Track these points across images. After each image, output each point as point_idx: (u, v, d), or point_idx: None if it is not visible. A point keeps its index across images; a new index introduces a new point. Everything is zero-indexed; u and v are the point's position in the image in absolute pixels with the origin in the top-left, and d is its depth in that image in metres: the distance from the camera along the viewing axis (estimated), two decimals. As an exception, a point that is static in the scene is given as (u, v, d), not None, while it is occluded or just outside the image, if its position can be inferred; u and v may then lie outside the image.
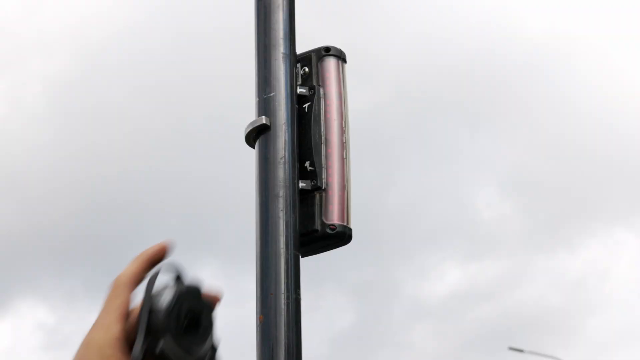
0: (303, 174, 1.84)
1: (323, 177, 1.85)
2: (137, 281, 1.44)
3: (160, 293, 1.53)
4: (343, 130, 1.89)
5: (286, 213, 1.79)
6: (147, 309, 1.55)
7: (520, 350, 22.66)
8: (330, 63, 1.90)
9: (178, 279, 1.50)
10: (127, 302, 1.43)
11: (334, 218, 1.84)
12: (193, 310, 1.56)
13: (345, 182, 1.86)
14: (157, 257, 1.48)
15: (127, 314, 1.42)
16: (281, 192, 1.80)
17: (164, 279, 1.49)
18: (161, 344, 1.55)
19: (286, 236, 1.79)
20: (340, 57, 1.93)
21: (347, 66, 1.94)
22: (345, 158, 1.88)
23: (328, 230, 1.82)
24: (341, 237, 1.84)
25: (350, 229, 1.86)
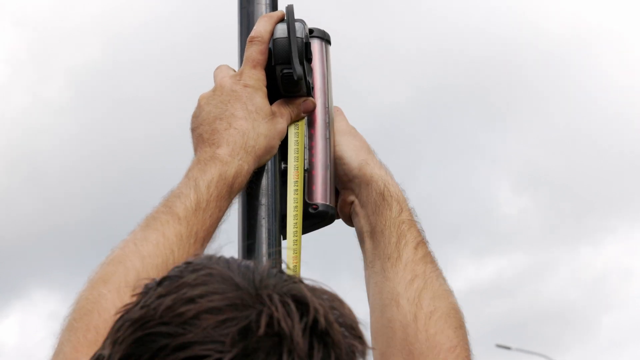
0: (286, 154, 1.83)
1: (306, 157, 1.84)
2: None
3: (294, 24, 1.74)
4: (326, 110, 1.88)
5: (267, 194, 1.78)
6: (294, 35, 1.76)
7: (508, 348, 22.46)
8: (314, 44, 1.89)
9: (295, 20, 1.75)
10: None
11: (317, 197, 1.82)
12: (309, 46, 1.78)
13: (329, 162, 1.85)
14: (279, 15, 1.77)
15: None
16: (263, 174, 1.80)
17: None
18: (301, 68, 1.74)
19: (268, 218, 1.77)
20: (324, 38, 1.92)
21: (331, 47, 1.93)
22: (329, 138, 1.87)
23: (310, 210, 1.81)
24: (324, 216, 1.82)
25: (333, 208, 1.84)
